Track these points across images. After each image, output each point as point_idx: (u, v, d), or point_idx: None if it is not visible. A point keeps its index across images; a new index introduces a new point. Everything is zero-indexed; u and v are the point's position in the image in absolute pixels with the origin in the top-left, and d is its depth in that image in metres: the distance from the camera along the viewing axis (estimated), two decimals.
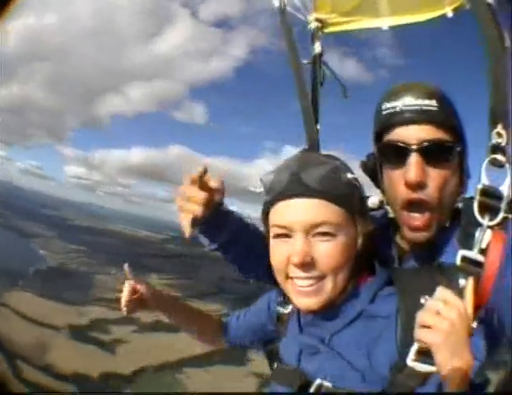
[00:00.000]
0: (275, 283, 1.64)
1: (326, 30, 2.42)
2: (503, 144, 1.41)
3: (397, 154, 1.52)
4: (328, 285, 1.41)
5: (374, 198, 1.81)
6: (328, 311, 1.46)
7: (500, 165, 1.42)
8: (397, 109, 1.50)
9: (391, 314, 1.39)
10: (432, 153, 1.47)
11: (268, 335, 1.97)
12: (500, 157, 1.42)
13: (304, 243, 1.38)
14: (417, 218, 1.51)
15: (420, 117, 1.47)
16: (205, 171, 1.52)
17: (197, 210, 1.56)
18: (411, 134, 1.48)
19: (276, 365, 1.67)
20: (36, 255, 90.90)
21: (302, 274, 1.40)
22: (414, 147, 1.47)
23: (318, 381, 1.41)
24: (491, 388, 1.37)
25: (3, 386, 1.66)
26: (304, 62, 2.14)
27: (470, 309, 1.26)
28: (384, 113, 1.56)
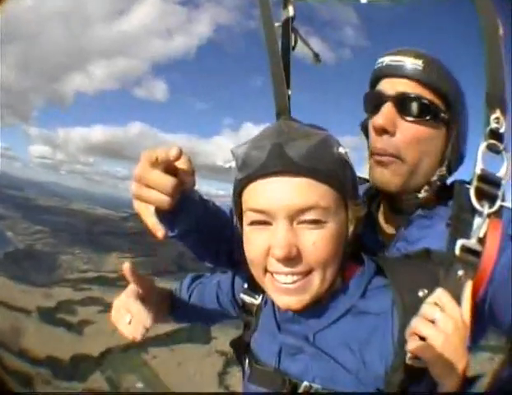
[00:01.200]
0: (239, 269, 1.54)
1: None
2: (501, 130, 1.36)
3: (375, 103, 1.53)
4: (315, 281, 1.19)
5: None
6: (312, 308, 1.25)
7: (497, 151, 1.37)
8: (384, 63, 1.53)
9: (385, 310, 1.24)
10: (407, 105, 1.46)
11: (222, 316, 1.80)
12: (496, 142, 1.36)
13: (289, 232, 1.14)
14: (383, 160, 1.49)
15: (402, 71, 1.48)
16: (178, 157, 1.15)
17: (164, 201, 1.20)
18: (391, 86, 1.50)
19: (250, 363, 1.45)
20: (4, 238, 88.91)
21: (285, 269, 1.17)
22: (389, 97, 1.48)
23: (305, 384, 1.24)
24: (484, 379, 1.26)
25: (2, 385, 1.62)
26: (276, 24, 1.97)
27: (467, 316, 1.19)
28: (374, 68, 1.59)
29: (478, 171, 1.35)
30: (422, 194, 1.53)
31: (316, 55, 2.31)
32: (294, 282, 1.19)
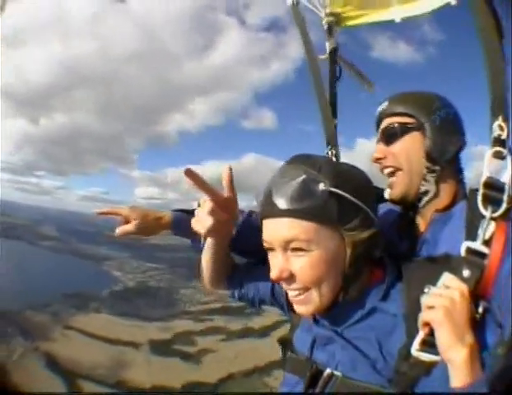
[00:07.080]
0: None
1: (341, 25, 2.42)
2: (503, 137, 1.44)
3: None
4: (314, 296, 1.42)
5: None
6: (337, 309, 1.48)
7: (502, 157, 1.45)
8: (376, 114, 1.86)
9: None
10: (386, 136, 1.77)
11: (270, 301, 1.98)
12: (501, 149, 1.45)
13: (283, 258, 1.42)
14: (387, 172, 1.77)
15: (381, 115, 1.81)
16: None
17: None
18: (380, 129, 1.82)
19: (288, 355, 1.65)
20: (110, 277, 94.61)
21: (287, 286, 1.45)
22: (380, 137, 1.80)
23: (328, 370, 1.45)
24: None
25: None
26: (321, 57, 2.20)
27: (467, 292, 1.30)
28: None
29: (484, 178, 1.46)
30: (422, 189, 1.71)
31: (367, 82, 2.56)
32: (298, 296, 1.44)
